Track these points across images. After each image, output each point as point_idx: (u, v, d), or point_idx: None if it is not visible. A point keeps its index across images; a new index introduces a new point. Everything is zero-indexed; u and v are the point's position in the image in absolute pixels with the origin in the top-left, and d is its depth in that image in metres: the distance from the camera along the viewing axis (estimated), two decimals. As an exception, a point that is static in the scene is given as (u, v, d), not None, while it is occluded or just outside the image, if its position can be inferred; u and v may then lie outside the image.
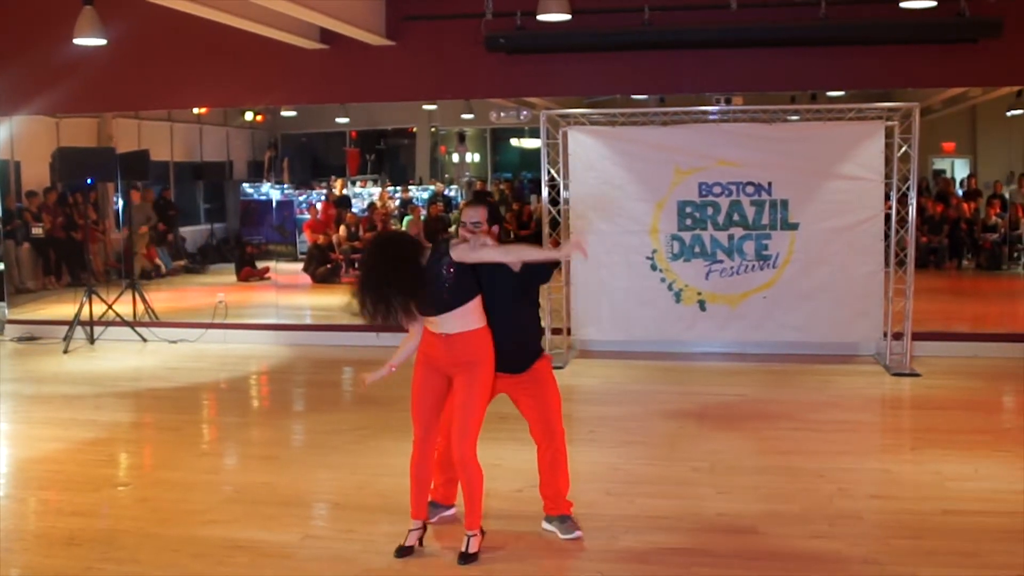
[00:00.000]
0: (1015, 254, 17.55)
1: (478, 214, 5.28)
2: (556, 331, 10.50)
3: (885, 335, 10.11)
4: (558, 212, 10.54)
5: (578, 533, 5.47)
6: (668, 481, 6.57)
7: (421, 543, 5.28)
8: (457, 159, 23.13)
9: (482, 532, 5.25)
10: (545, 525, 5.56)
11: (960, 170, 21.43)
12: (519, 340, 5.32)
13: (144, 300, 12.32)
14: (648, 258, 10.38)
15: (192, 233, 19.60)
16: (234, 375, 10.30)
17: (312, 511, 6.23)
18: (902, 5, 9.18)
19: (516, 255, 5.13)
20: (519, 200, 19.93)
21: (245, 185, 20.47)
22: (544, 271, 5.37)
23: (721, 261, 10.28)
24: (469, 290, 5.08)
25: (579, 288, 10.46)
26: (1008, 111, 18.34)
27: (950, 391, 9.10)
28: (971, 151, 21.24)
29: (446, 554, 5.26)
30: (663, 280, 10.37)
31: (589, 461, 7.06)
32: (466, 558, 5.15)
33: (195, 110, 17.54)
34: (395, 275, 4.86)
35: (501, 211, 18.61)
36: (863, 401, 8.99)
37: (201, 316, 12.22)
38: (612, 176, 10.36)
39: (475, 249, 5.01)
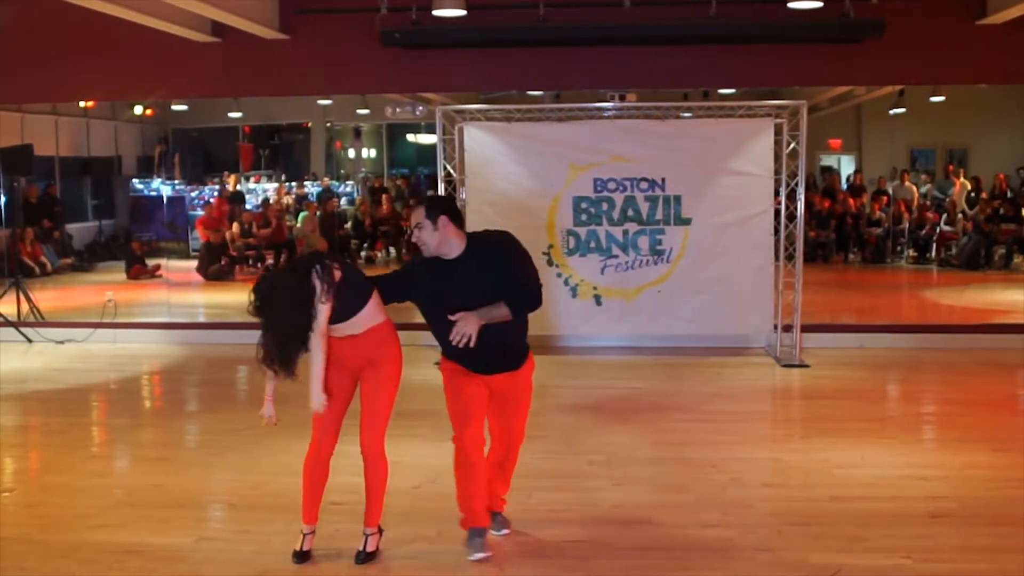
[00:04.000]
0: (898, 248, 18.17)
1: (417, 216, 5.01)
2: (454, 327, 10.48)
3: (775, 327, 10.34)
4: (455, 208, 10.53)
5: (504, 531, 5.46)
6: (565, 474, 6.63)
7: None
8: (353, 155, 23.00)
9: (380, 531, 5.22)
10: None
11: (846, 166, 22.12)
12: (501, 341, 5.06)
13: (29, 299, 11.93)
14: (544, 253, 10.43)
15: (79, 230, 19.12)
16: (124, 376, 10.06)
17: (206, 513, 6.12)
18: (790, 5, 9.41)
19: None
20: (416, 196, 19.92)
21: (135, 181, 20.06)
22: (519, 306, 5.06)
23: (616, 256, 10.39)
24: (363, 295, 4.97)
25: (476, 284, 10.46)
26: (891, 109, 19.02)
27: (837, 381, 9.36)
28: (856, 148, 21.96)
29: (344, 553, 5.21)
30: (559, 275, 10.44)
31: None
32: (364, 556, 5.10)
33: (81, 104, 17.11)
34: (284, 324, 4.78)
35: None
36: (754, 392, 9.19)
37: (89, 315, 11.89)
38: (508, 172, 10.39)
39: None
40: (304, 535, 5.17)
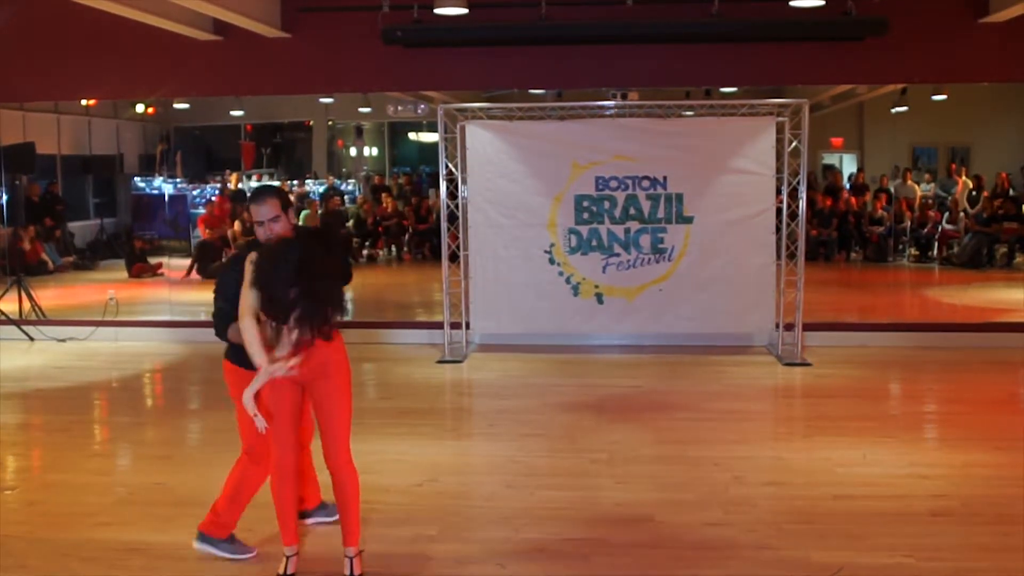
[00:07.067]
0: (900, 246, 18.15)
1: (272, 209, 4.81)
2: (455, 325, 10.50)
3: (777, 326, 10.33)
4: (456, 206, 10.55)
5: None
6: (567, 473, 6.63)
7: None
8: (355, 153, 22.99)
9: (360, 551, 4.91)
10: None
11: (848, 165, 22.08)
12: None
13: (31, 297, 11.94)
14: (546, 252, 10.44)
15: (81, 228, 19.13)
16: (126, 373, 10.06)
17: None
18: (792, 3, 9.39)
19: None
20: (417, 194, 19.94)
21: (136, 179, 20.06)
22: None
23: (618, 254, 10.39)
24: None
25: (477, 282, 10.48)
26: (893, 108, 18.98)
27: (839, 380, 9.35)
28: (859, 146, 21.91)
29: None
30: (561, 274, 10.44)
31: (488, 454, 7.09)
32: None
33: (83, 102, 17.10)
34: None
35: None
36: (756, 391, 9.18)
37: (91, 313, 11.90)
38: (510, 170, 10.39)
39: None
40: (287, 557, 4.94)
